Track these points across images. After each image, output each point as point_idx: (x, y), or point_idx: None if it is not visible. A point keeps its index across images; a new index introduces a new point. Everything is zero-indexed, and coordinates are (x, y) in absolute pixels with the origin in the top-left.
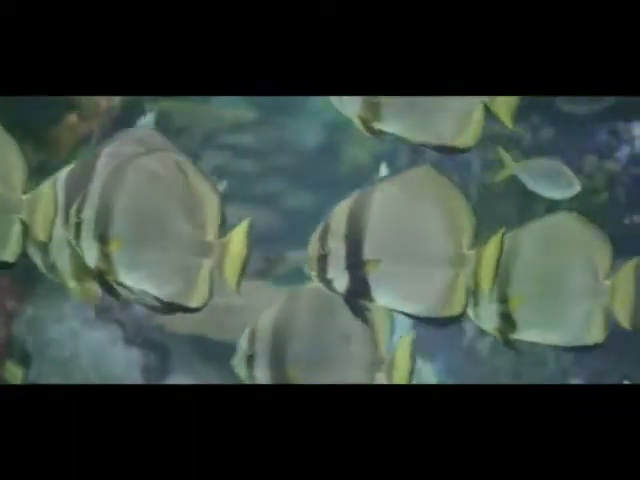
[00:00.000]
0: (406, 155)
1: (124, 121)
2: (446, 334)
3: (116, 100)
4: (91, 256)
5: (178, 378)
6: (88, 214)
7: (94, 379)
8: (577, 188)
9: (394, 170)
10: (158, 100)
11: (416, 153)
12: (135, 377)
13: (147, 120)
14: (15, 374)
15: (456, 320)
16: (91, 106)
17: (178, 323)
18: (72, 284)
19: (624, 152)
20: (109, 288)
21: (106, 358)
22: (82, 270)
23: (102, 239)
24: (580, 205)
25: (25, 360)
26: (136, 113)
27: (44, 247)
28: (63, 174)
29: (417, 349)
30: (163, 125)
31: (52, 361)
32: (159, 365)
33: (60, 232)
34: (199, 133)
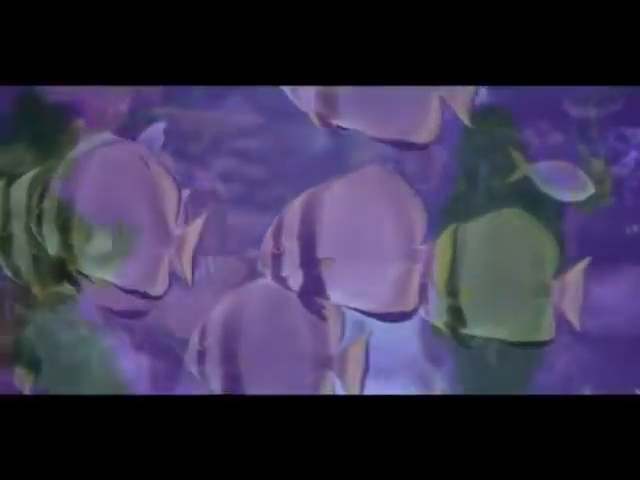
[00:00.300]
0: (413, 158)
1: (131, 127)
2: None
3: (123, 107)
4: (53, 246)
5: (187, 385)
6: (49, 204)
7: (103, 385)
8: (591, 190)
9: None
10: (166, 106)
11: (424, 156)
12: (144, 383)
13: (155, 126)
14: (24, 380)
15: (408, 316)
16: (98, 112)
17: (187, 329)
18: (36, 288)
19: (632, 157)
20: (71, 278)
21: (115, 364)
22: (45, 274)
23: (64, 228)
24: (587, 209)
25: (34, 366)
26: (144, 119)
27: (7, 252)
28: (26, 178)
29: (425, 355)
30: (171, 131)
31: (61, 367)
32: (168, 371)
33: (22, 237)
34: (207, 139)
